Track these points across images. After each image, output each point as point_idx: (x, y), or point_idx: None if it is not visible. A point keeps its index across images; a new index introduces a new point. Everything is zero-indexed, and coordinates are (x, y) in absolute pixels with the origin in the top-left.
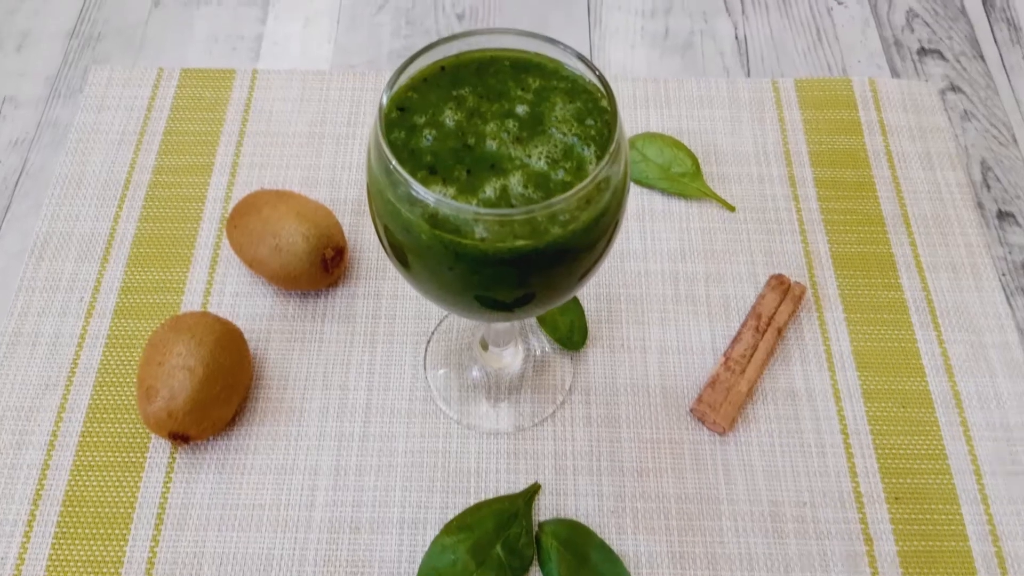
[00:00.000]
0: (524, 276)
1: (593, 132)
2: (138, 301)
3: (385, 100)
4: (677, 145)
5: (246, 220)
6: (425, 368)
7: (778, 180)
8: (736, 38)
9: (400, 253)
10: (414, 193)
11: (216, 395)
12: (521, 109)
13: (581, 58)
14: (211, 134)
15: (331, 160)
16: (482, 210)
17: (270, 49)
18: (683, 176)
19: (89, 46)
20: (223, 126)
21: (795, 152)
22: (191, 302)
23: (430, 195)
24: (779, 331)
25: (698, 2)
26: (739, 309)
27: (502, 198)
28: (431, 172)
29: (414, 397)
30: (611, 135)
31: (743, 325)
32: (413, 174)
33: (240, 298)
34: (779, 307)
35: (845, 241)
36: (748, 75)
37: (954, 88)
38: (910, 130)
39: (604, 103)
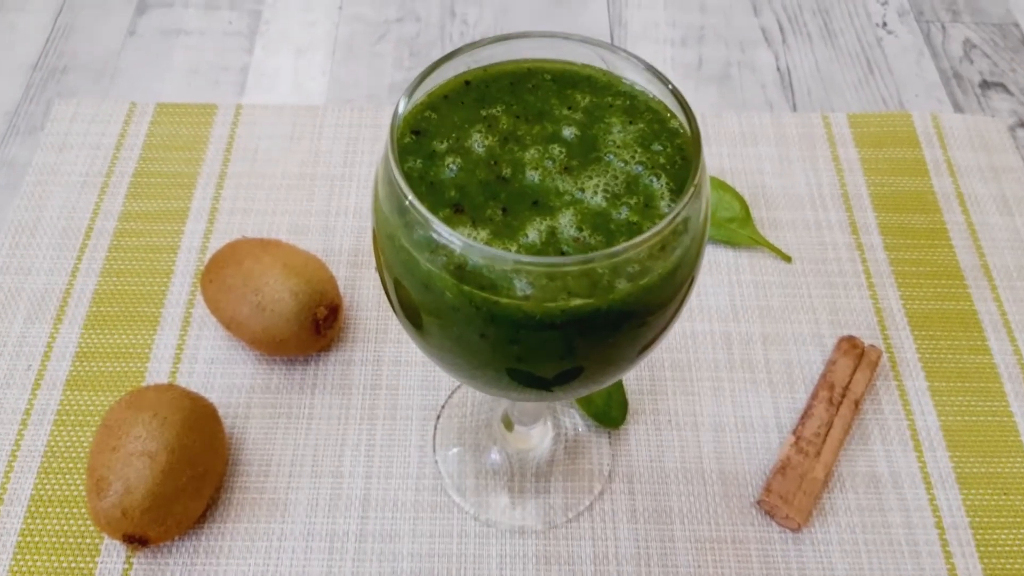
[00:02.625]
0: (575, 346)
1: (663, 159)
2: (95, 369)
3: (398, 116)
4: (722, 187)
5: (224, 274)
6: (435, 450)
7: (838, 226)
8: (778, 69)
9: (414, 315)
10: (436, 237)
11: (182, 487)
12: (569, 132)
13: (650, 69)
14: (187, 175)
15: (324, 205)
16: (525, 258)
17: (257, 82)
18: (731, 222)
19: (54, 79)
20: (201, 166)
21: (854, 195)
22: (158, 371)
23: (457, 239)
24: (856, 404)
25: (733, 30)
26: (805, 377)
27: (549, 243)
28: (457, 211)
29: (421, 487)
30: (692, 162)
31: (813, 397)
32: (434, 213)
33: (215, 366)
34: (854, 375)
35: (920, 296)
36: (794, 109)
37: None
38: (980, 170)
39: (674, 123)
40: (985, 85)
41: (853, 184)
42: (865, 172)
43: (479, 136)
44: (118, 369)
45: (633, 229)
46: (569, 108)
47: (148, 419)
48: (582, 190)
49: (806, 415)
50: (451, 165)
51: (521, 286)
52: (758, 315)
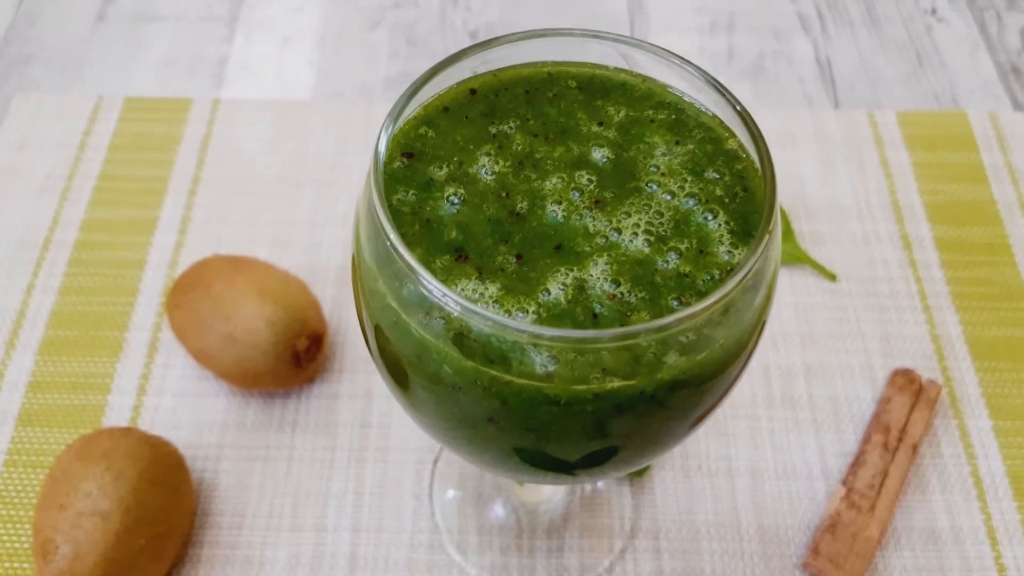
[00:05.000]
0: (608, 432)
1: (719, 190)
2: (50, 403)
3: (384, 141)
4: None
5: (191, 298)
6: (432, 499)
7: (888, 240)
8: (817, 60)
9: (405, 385)
10: (428, 295)
11: (140, 550)
12: (600, 154)
13: (708, 77)
14: (158, 180)
15: (310, 214)
16: (547, 332)
17: (237, 74)
18: None
19: (15, 70)
20: (173, 169)
21: (906, 204)
22: (119, 404)
23: (456, 299)
24: (914, 448)
25: (766, 17)
26: (853, 416)
27: (577, 302)
28: (459, 258)
29: (416, 542)
30: (763, 198)
31: (865, 441)
32: (428, 261)
33: (184, 399)
34: (911, 415)
35: (983, 321)
36: (836, 106)
37: None
38: None
39: (733, 144)
40: None
41: (904, 192)
42: (917, 178)
43: (487, 160)
44: (76, 402)
45: (684, 282)
46: (600, 124)
47: (100, 473)
48: (618, 231)
49: (857, 462)
50: (452, 198)
51: (542, 361)
52: (800, 343)
